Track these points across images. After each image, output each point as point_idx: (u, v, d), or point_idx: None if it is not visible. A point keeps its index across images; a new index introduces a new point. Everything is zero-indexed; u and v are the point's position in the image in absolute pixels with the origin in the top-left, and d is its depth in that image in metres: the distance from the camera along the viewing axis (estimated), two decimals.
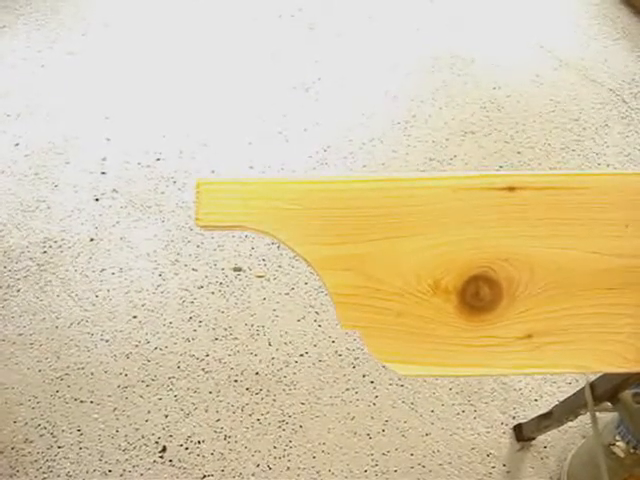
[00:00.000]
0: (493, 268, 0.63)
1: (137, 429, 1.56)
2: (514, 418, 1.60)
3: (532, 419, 1.50)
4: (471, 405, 1.61)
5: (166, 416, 1.58)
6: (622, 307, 0.63)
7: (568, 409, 1.32)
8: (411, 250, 0.63)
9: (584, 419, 1.46)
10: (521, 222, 0.64)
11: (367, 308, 0.62)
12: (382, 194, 0.64)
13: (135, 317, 1.73)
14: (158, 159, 2.09)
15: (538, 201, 0.64)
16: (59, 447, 1.54)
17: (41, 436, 1.55)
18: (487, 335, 0.62)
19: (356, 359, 1.67)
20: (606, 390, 1.14)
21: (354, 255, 0.63)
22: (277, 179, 0.65)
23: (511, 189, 0.65)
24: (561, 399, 1.44)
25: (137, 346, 1.68)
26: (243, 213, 0.63)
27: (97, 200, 1.97)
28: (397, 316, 0.62)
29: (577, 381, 1.65)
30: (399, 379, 1.64)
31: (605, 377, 1.15)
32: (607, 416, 1.36)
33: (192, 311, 1.75)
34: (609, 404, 1.16)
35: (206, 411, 1.59)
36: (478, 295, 0.63)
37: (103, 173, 2.04)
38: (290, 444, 1.55)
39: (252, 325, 1.73)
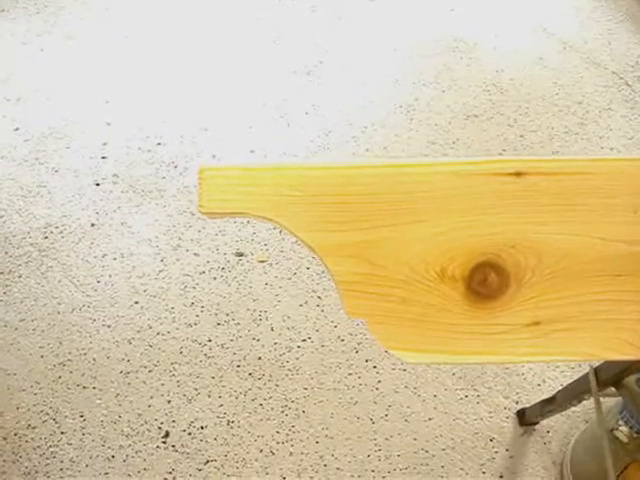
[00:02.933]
0: (500, 255, 0.62)
1: (140, 415, 1.57)
2: (517, 403, 1.60)
3: (535, 404, 1.50)
4: (474, 390, 1.61)
5: (169, 401, 1.58)
6: (630, 294, 0.63)
7: (572, 394, 1.31)
8: (417, 237, 0.62)
9: (587, 404, 1.46)
10: (528, 208, 0.63)
11: (372, 295, 0.62)
12: (387, 180, 0.63)
13: (137, 303, 1.73)
14: (159, 144, 2.08)
15: (545, 187, 0.64)
16: (62, 433, 1.54)
17: (44, 422, 1.55)
18: (494, 322, 0.61)
19: (359, 344, 1.67)
20: (610, 375, 1.14)
21: (359, 242, 0.62)
22: (280, 165, 0.64)
23: (518, 174, 0.64)
24: (564, 384, 1.44)
25: (139, 332, 1.68)
26: (246, 199, 0.63)
27: (98, 185, 1.96)
28: (403, 303, 0.61)
29: (580, 366, 1.65)
30: (402, 364, 1.64)
31: (609, 362, 1.15)
32: (610, 401, 1.36)
33: (194, 296, 1.74)
34: (613, 389, 1.16)
35: (209, 396, 1.59)
36: (485, 282, 0.62)
37: (104, 158, 2.03)
38: (293, 429, 1.55)
39: (254, 310, 1.72)
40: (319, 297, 1.75)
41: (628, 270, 0.63)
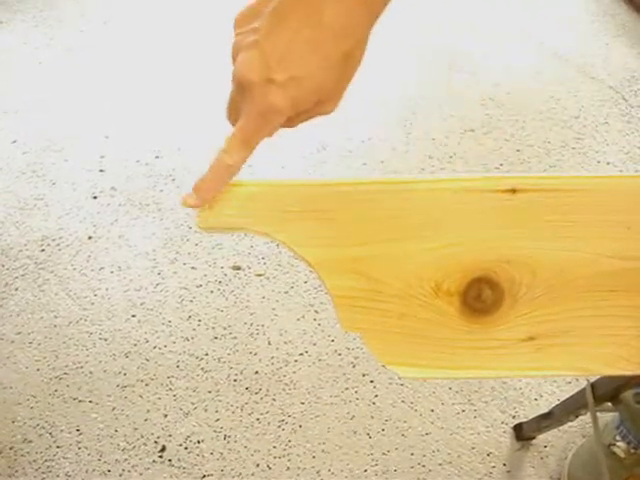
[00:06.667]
0: (495, 270, 0.62)
1: (136, 429, 1.56)
2: (514, 417, 1.59)
3: (532, 419, 1.50)
4: (471, 404, 1.61)
5: (165, 415, 1.58)
6: (625, 309, 0.63)
7: (569, 409, 1.31)
8: (413, 252, 0.63)
9: (584, 419, 1.45)
10: (523, 224, 0.64)
11: (368, 310, 0.62)
12: (383, 196, 0.63)
13: (134, 316, 1.73)
14: (157, 157, 2.08)
15: (540, 203, 0.64)
16: (58, 447, 1.53)
17: (40, 436, 1.55)
18: (489, 337, 0.61)
19: (356, 358, 1.67)
20: (607, 390, 1.14)
21: (356, 257, 0.62)
22: (277, 180, 0.65)
23: (514, 191, 0.64)
24: (561, 398, 1.44)
25: (136, 345, 1.68)
26: (244, 214, 0.63)
27: (95, 198, 1.96)
28: (399, 318, 0.61)
29: (577, 381, 1.65)
30: (399, 378, 1.64)
31: (606, 377, 1.15)
32: (607, 416, 1.36)
33: (191, 310, 1.74)
34: (610, 404, 1.16)
35: (205, 410, 1.59)
36: (480, 297, 0.62)
37: (101, 171, 2.04)
38: (290, 443, 1.55)
39: (251, 324, 1.72)
40: (316, 311, 1.75)
41: (623, 286, 0.63)
